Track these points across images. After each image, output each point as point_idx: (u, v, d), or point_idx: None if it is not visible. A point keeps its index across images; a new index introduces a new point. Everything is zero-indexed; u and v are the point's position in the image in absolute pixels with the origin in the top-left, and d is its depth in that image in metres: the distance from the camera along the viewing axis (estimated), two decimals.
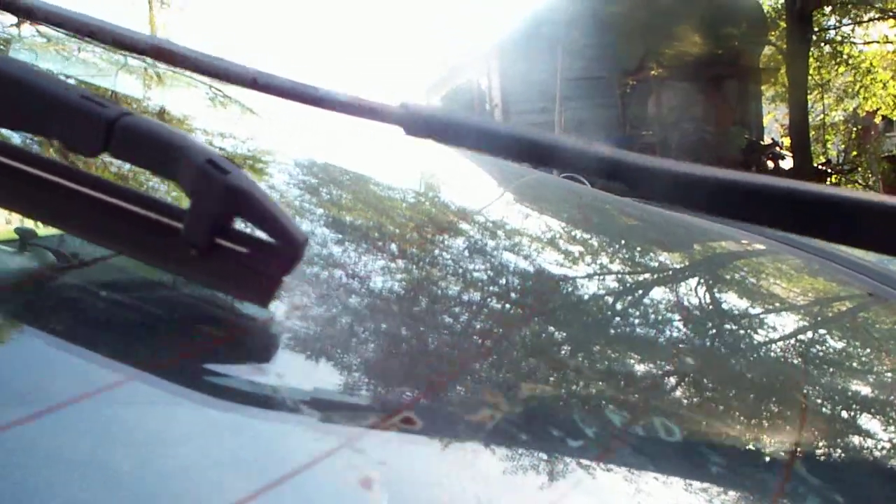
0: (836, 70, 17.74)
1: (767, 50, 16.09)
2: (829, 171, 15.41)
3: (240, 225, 0.51)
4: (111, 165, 0.76)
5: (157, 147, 0.51)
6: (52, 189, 0.53)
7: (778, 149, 15.29)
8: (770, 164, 14.65)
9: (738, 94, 15.30)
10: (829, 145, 18.28)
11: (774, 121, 19.40)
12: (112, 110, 0.50)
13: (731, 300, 1.00)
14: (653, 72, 13.96)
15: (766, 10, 15.22)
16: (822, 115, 18.07)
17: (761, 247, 1.42)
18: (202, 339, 0.55)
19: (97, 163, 0.73)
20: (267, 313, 0.56)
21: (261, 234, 0.51)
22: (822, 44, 16.16)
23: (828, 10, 15.05)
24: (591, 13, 12.90)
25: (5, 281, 0.60)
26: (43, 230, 0.63)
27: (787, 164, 14.91)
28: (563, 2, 13.77)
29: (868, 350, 0.90)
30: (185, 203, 0.51)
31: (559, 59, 14.01)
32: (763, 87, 16.80)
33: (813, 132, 16.40)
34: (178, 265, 0.53)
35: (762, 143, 15.20)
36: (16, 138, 0.71)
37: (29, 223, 0.62)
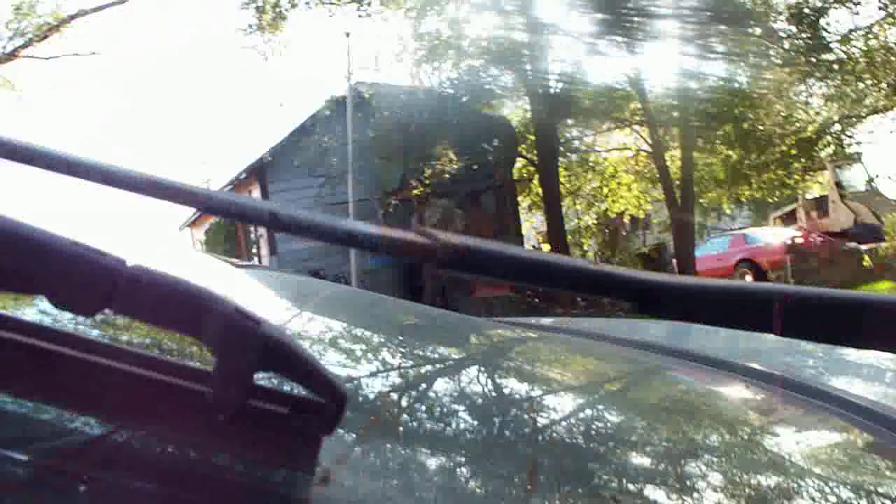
0: (585, 177, 18.91)
1: (520, 163, 16.91)
2: None
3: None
4: (92, 322, 0.66)
5: (172, 300, 0.44)
6: (40, 358, 0.46)
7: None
8: None
9: (496, 205, 16.11)
10: (585, 247, 19.31)
11: (532, 228, 20.37)
12: (112, 259, 0.43)
13: (511, 385, 1.02)
14: (414, 191, 14.28)
15: (515, 126, 15.98)
16: (576, 220, 19.11)
17: (532, 334, 1.49)
18: None
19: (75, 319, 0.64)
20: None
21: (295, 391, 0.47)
22: (569, 153, 17.19)
23: (570, 122, 15.99)
24: (347, 140, 13.13)
25: None
26: None
27: None
28: (319, 130, 13.99)
29: (644, 422, 0.93)
30: (190, 360, 0.49)
31: (321, 185, 14.20)
32: (519, 198, 17.58)
33: (570, 236, 17.31)
34: (204, 434, 0.47)
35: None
36: None
37: None
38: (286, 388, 0.48)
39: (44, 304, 0.45)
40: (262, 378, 0.46)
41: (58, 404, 0.49)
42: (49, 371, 0.46)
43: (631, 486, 0.68)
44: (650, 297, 0.48)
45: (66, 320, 0.63)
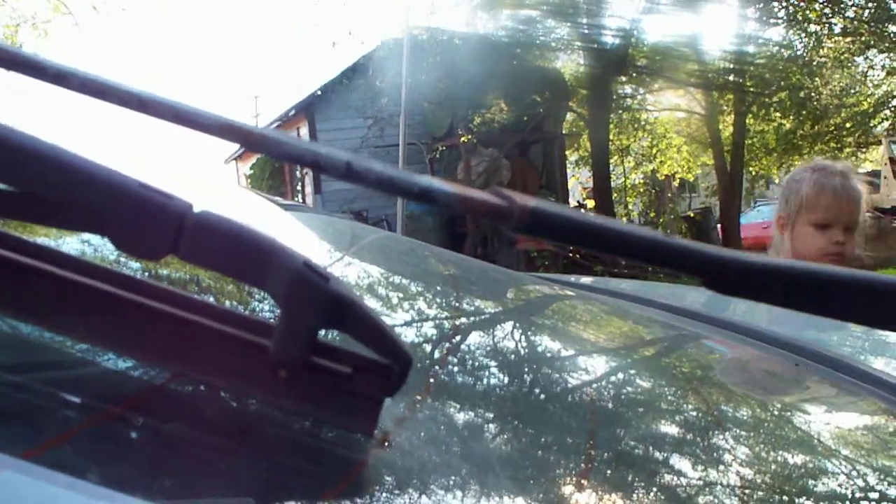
0: (635, 135, 18.72)
1: (570, 117, 16.76)
2: None
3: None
4: (157, 268, 0.65)
5: (240, 249, 0.43)
6: (103, 301, 0.45)
7: (583, 210, 15.84)
8: None
9: (544, 158, 16.05)
10: (630, 206, 19.17)
11: (578, 183, 20.23)
12: (181, 203, 0.42)
13: (544, 344, 1.02)
14: (461, 138, 14.23)
15: (567, 79, 15.82)
16: (623, 178, 18.96)
17: (570, 292, 1.49)
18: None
19: (132, 265, 0.63)
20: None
21: (359, 351, 0.46)
22: (621, 111, 16.99)
23: (624, 79, 15.80)
24: (398, 83, 13.08)
25: None
26: None
27: None
28: (372, 71, 13.92)
29: (674, 390, 0.93)
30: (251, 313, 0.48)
31: (368, 127, 14.20)
32: (567, 152, 17.45)
33: (615, 194, 17.21)
34: (264, 389, 0.46)
35: (567, 204, 15.73)
36: (54, 239, 0.61)
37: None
38: (350, 347, 0.46)
39: (108, 245, 0.43)
40: (326, 336, 0.45)
41: (115, 349, 0.49)
42: (109, 315, 0.45)
43: (657, 454, 0.68)
44: (721, 273, 0.46)
45: (129, 263, 0.63)
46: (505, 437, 0.64)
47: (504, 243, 14.07)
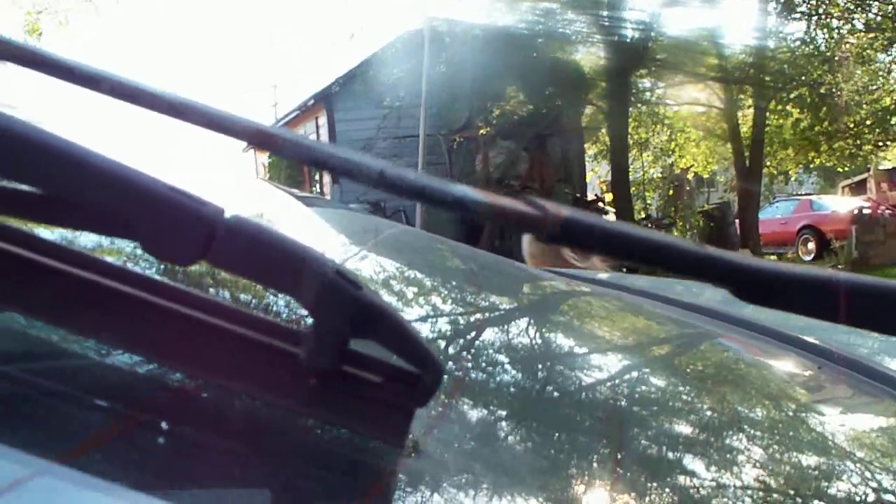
0: (654, 129, 18.66)
1: (589, 109, 16.71)
2: (649, 224, 16.05)
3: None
4: (178, 273, 0.65)
5: (271, 255, 0.43)
6: (134, 306, 0.45)
7: (601, 204, 15.83)
8: None
9: (562, 151, 15.93)
10: (648, 201, 19.13)
11: (596, 177, 20.18)
12: (212, 208, 0.42)
13: (559, 340, 1.04)
14: (480, 130, 14.23)
15: (586, 72, 15.78)
16: (641, 172, 18.92)
17: (586, 288, 1.48)
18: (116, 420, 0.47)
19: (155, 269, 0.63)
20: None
21: (390, 361, 0.46)
22: (640, 104, 16.94)
23: (643, 72, 15.74)
24: (417, 74, 13.07)
25: None
26: None
27: (609, 218, 15.39)
28: (390, 63, 13.92)
29: (688, 388, 0.94)
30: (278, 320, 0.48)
31: (385, 117, 14.21)
32: (586, 146, 17.41)
33: (633, 188, 17.14)
34: (293, 397, 0.46)
35: (586, 198, 15.71)
36: (83, 242, 0.61)
37: None
38: (380, 355, 0.46)
39: (137, 250, 0.44)
40: (356, 344, 0.44)
41: (144, 354, 0.49)
42: (138, 319, 0.45)
43: (670, 455, 0.69)
44: (750, 284, 0.47)
45: (158, 268, 0.63)
46: (532, 442, 0.65)
47: (520, 235, 14.00)
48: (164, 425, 0.46)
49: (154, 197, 0.41)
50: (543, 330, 1.06)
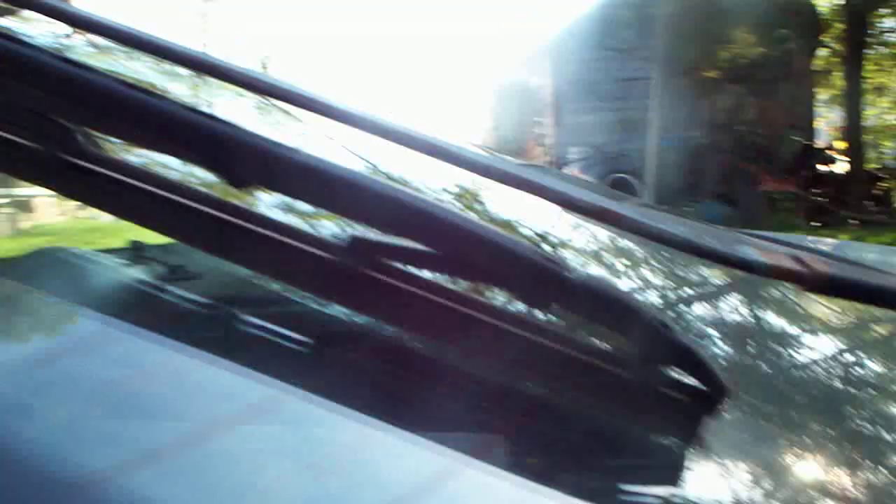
0: (894, 73, 17.46)
1: (822, 52, 15.85)
2: (883, 175, 15.16)
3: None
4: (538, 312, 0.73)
5: (607, 306, 0.59)
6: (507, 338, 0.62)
7: (830, 152, 15.07)
8: (823, 167, 14.46)
9: (791, 96, 15.18)
10: (884, 150, 17.98)
11: (827, 123, 19.14)
12: (560, 266, 0.58)
13: (770, 318, 1.07)
14: (705, 73, 13.82)
15: (820, 12, 14.98)
16: (877, 119, 17.77)
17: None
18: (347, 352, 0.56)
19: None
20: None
21: (690, 383, 0.60)
22: (880, 46, 15.89)
23: (884, 12, 14.78)
24: (644, 15, 12.83)
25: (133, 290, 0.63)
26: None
27: (840, 167, 14.66)
28: (616, 4, 13.71)
29: None
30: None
31: (611, 59, 14.04)
32: (817, 90, 16.54)
33: (868, 136, 16.14)
34: (618, 405, 0.62)
35: (815, 146, 15.00)
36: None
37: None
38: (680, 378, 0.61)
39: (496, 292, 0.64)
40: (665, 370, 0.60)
41: (512, 375, 0.65)
42: (522, 349, 0.62)
43: None
44: None
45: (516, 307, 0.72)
46: (817, 442, 0.71)
47: (744, 182, 13.65)
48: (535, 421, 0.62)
49: (519, 256, 0.56)
50: (790, 320, 1.06)
